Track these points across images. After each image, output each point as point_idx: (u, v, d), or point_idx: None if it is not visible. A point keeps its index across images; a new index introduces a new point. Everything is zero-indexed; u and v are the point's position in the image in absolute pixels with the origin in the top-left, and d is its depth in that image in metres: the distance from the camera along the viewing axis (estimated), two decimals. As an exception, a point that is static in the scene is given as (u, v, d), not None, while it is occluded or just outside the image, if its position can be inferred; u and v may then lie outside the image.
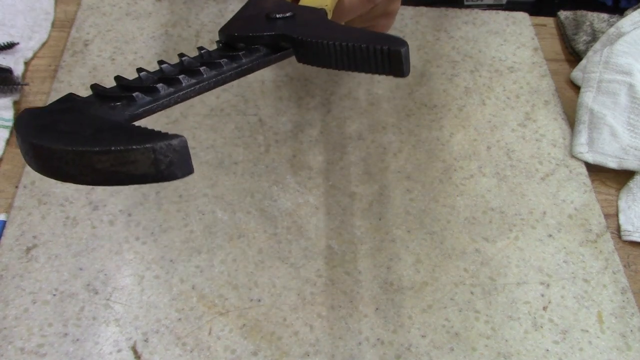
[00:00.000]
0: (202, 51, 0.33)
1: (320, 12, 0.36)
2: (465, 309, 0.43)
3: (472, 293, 0.44)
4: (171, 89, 0.29)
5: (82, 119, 0.24)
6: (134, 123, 0.26)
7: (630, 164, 0.52)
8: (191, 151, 0.49)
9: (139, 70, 0.30)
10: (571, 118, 0.56)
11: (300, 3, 0.38)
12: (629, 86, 0.54)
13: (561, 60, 0.63)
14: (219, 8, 0.61)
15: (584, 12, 0.65)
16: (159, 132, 0.21)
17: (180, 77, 0.29)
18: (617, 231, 0.49)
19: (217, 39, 0.36)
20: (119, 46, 0.56)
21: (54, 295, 0.40)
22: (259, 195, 0.47)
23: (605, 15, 0.64)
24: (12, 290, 0.40)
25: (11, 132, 0.48)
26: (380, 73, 0.31)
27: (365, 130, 0.53)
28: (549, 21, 0.67)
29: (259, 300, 0.42)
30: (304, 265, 0.44)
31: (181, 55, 0.32)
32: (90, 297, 0.40)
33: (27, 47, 0.54)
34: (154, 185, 0.46)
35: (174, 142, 0.21)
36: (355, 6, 0.40)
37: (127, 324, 0.40)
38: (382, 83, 0.57)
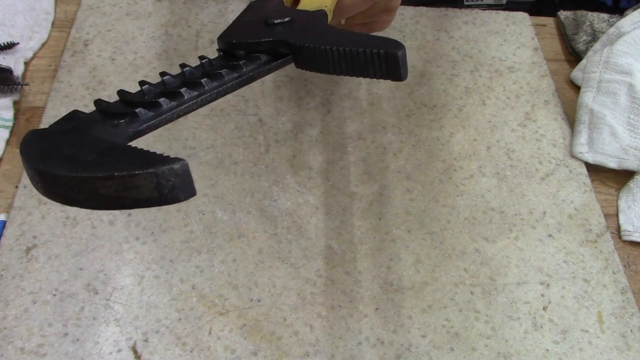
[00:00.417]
0: (203, 61, 0.33)
1: (319, 15, 0.36)
2: (465, 309, 0.43)
3: (472, 293, 0.44)
4: (173, 103, 0.29)
5: (86, 142, 0.24)
6: (137, 139, 0.27)
7: (630, 164, 0.52)
8: (191, 151, 0.49)
9: (142, 83, 0.30)
10: (571, 118, 0.56)
11: (301, 4, 0.38)
12: (629, 86, 0.54)
13: (561, 60, 0.63)
14: (219, 8, 0.61)
15: (584, 12, 0.65)
16: (161, 156, 0.21)
17: (182, 90, 0.29)
18: (617, 231, 0.49)
19: (217, 38, 0.36)
20: (119, 46, 0.56)
21: (54, 295, 0.40)
22: (259, 195, 0.47)
23: (605, 15, 0.64)
24: (12, 290, 0.40)
25: (11, 132, 0.48)
26: (378, 77, 0.31)
27: (365, 130, 0.53)
28: (549, 21, 0.67)
29: (259, 300, 0.42)
30: (304, 265, 0.44)
31: (183, 65, 0.32)
32: (90, 297, 0.40)
33: (27, 47, 0.54)
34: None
35: (176, 166, 0.21)
36: (356, 3, 0.40)
37: (127, 324, 0.40)
38: (382, 83, 0.57)
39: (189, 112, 0.30)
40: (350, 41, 0.31)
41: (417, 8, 0.64)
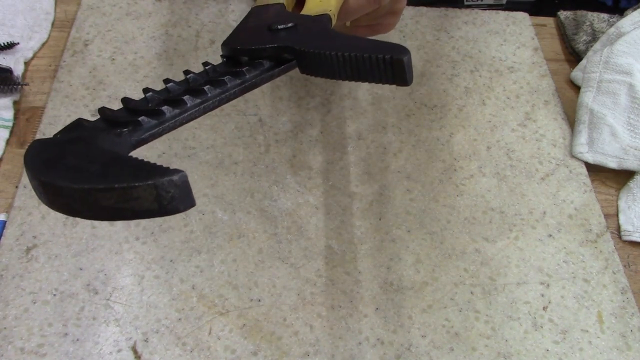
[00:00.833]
0: (207, 67, 0.33)
1: (323, 20, 0.36)
2: (465, 309, 0.43)
3: (472, 293, 0.44)
4: (176, 111, 0.29)
5: (89, 152, 0.25)
6: (140, 148, 0.27)
7: (630, 164, 0.52)
8: (191, 151, 0.49)
9: (145, 90, 0.30)
10: (571, 118, 0.56)
11: (305, 8, 0.38)
12: (629, 86, 0.54)
13: (561, 60, 0.63)
14: (219, 8, 0.61)
15: (584, 12, 0.65)
16: (161, 167, 0.22)
17: (185, 97, 0.29)
18: (617, 231, 0.49)
19: (221, 44, 0.36)
20: (119, 46, 0.56)
21: (54, 295, 0.40)
22: (259, 195, 0.47)
23: (605, 15, 0.64)
24: (12, 290, 0.40)
25: (11, 132, 0.48)
26: (383, 82, 0.31)
27: (365, 130, 0.53)
28: (549, 21, 0.67)
29: (259, 300, 0.42)
30: (304, 265, 0.44)
31: (186, 72, 0.32)
32: (90, 297, 0.40)
33: (27, 47, 0.54)
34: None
35: (175, 177, 0.21)
36: (361, 6, 0.40)
37: (127, 324, 0.40)
38: (382, 83, 0.57)
39: (192, 119, 0.30)
40: (355, 46, 0.31)
41: (417, 8, 0.64)
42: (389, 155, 0.51)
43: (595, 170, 0.53)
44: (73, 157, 0.24)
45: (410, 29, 0.62)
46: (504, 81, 0.59)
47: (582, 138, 0.53)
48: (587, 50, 0.61)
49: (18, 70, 0.52)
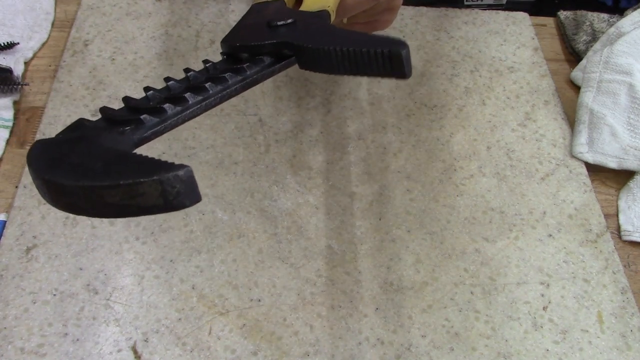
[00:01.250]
0: (207, 65, 0.33)
1: (321, 16, 0.36)
2: (465, 309, 0.43)
3: (472, 293, 0.44)
4: (178, 108, 0.29)
5: (92, 150, 0.25)
6: (143, 146, 0.27)
7: (630, 164, 0.52)
8: (191, 151, 0.49)
9: (147, 89, 0.30)
10: (571, 118, 0.56)
11: (303, 4, 0.38)
12: (629, 86, 0.54)
13: (561, 60, 0.63)
14: (219, 8, 0.61)
15: (584, 12, 0.65)
16: (166, 163, 0.22)
17: (187, 95, 0.29)
18: (617, 231, 0.49)
19: (221, 41, 0.36)
20: (119, 46, 0.56)
21: (54, 295, 0.40)
22: (259, 195, 0.47)
23: (605, 15, 0.64)
24: (12, 290, 0.40)
25: (11, 132, 0.48)
26: (382, 76, 0.31)
27: (365, 130, 0.53)
28: (549, 21, 0.67)
29: (259, 300, 0.42)
30: (304, 265, 0.44)
31: (187, 70, 0.32)
32: (90, 297, 0.40)
33: (27, 47, 0.54)
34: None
35: (180, 172, 0.21)
36: (359, 3, 0.40)
37: (127, 324, 0.40)
38: (382, 83, 0.57)
39: (194, 116, 0.30)
40: (353, 41, 0.31)
41: (417, 8, 0.64)
42: (389, 155, 0.51)
43: (595, 170, 0.53)
44: (76, 156, 0.24)
45: (410, 29, 0.62)
46: (504, 81, 0.59)
47: (582, 138, 0.53)
48: (587, 50, 0.61)
49: (18, 70, 0.52)
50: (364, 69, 0.31)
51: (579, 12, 0.65)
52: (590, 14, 0.65)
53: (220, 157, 0.49)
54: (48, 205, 0.44)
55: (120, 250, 0.43)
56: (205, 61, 0.33)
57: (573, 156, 0.53)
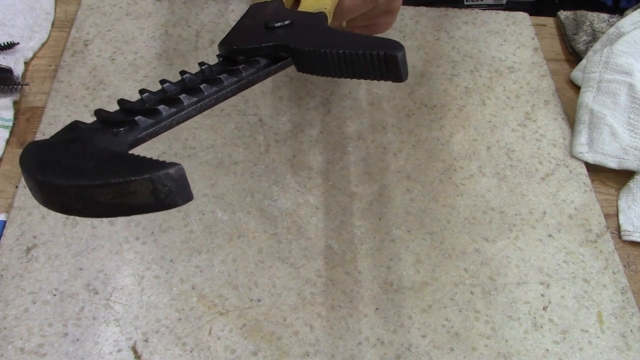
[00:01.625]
0: (203, 67, 0.33)
1: (319, 17, 0.36)
2: (465, 309, 0.43)
3: (472, 293, 0.44)
4: (173, 110, 0.29)
5: (85, 151, 0.25)
6: (137, 147, 0.27)
7: (630, 164, 0.52)
8: (191, 151, 0.49)
9: (142, 91, 0.30)
10: (571, 118, 0.56)
11: (300, 6, 0.38)
12: (629, 86, 0.54)
13: (561, 60, 0.63)
14: (219, 8, 0.61)
15: (584, 12, 0.65)
16: (157, 161, 0.21)
17: (182, 96, 0.29)
18: (617, 231, 0.49)
19: (218, 44, 0.36)
20: (119, 46, 0.56)
21: (54, 295, 0.40)
22: (259, 195, 0.47)
23: (605, 15, 0.64)
24: (12, 290, 0.40)
25: (11, 132, 0.48)
26: (379, 79, 0.31)
27: (365, 130, 0.53)
28: (549, 21, 0.67)
29: (259, 300, 0.42)
30: (304, 265, 0.44)
31: (183, 72, 0.32)
32: (90, 297, 0.40)
33: (27, 47, 0.54)
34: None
35: (171, 171, 0.21)
36: (357, 6, 0.40)
37: (127, 324, 0.40)
38: (382, 83, 0.57)
39: (189, 117, 0.30)
40: (349, 43, 0.31)
41: (417, 8, 0.64)
42: (389, 155, 0.51)
43: (595, 170, 0.53)
44: (69, 157, 0.24)
45: (410, 29, 0.62)
46: (504, 81, 0.59)
47: (582, 138, 0.53)
48: (587, 50, 0.61)
49: (18, 70, 0.52)
50: (361, 72, 0.31)
51: (579, 12, 0.65)
52: (590, 14, 0.65)
53: (220, 157, 0.49)
54: (48, 205, 0.44)
55: (120, 250, 0.43)
56: (201, 63, 0.33)
57: (573, 156, 0.53)
